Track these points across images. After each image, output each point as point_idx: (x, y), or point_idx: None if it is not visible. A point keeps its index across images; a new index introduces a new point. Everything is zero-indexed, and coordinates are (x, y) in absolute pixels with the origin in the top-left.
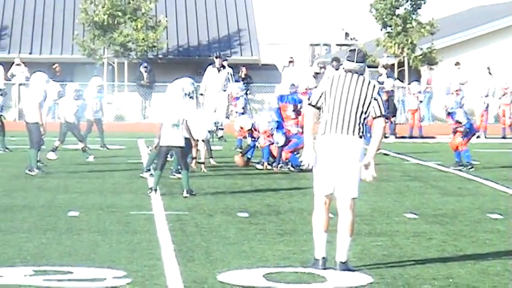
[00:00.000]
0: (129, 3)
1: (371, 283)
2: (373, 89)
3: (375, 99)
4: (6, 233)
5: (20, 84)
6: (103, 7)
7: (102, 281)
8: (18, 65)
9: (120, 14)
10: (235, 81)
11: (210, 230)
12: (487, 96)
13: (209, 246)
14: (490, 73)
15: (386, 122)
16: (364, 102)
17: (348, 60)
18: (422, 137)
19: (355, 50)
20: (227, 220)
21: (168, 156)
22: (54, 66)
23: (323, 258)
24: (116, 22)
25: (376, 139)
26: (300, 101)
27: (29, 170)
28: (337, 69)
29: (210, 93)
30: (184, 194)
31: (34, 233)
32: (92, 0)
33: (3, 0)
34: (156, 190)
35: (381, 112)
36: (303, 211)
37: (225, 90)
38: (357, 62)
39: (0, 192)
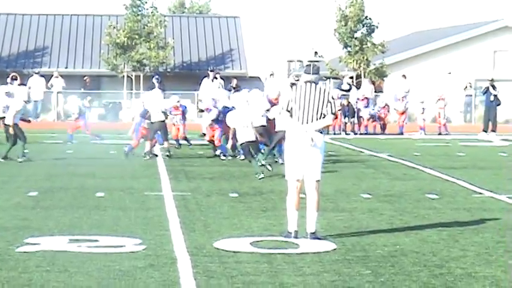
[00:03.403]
0: (144, 28)
1: (335, 249)
2: (328, 94)
3: (328, 101)
4: (47, 209)
5: (58, 92)
6: (123, 31)
7: (122, 247)
8: (56, 77)
9: (136, 36)
10: (227, 90)
11: (207, 207)
12: (422, 102)
13: (207, 219)
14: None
15: (334, 119)
16: (322, 105)
17: (306, 73)
18: (374, 134)
19: (310, 65)
20: (221, 199)
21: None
22: (84, 78)
23: (295, 231)
24: (133, 43)
25: (323, 122)
26: None
27: (17, 157)
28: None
29: (207, 97)
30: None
31: (69, 209)
32: (114, 25)
33: (45, 26)
34: (265, 166)
35: (331, 111)
36: (281, 192)
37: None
38: (312, 74)
39: (42, 177)
